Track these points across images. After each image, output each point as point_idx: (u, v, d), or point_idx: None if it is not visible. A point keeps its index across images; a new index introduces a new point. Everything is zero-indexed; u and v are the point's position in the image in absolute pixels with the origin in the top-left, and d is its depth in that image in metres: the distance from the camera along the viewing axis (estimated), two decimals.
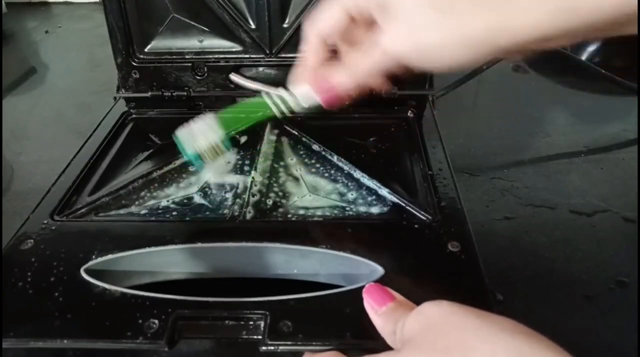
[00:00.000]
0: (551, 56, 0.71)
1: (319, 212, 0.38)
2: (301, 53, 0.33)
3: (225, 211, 0.38)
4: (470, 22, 0.27)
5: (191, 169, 0.43)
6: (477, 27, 0.27)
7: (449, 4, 0.27)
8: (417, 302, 0.27)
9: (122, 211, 0.39)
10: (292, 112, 0.34)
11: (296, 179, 0.42)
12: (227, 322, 0.29)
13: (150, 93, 0.53)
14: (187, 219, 0.38)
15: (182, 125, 0.35)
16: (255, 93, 0.53)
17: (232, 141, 0.39)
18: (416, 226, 0.35)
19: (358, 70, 0.31)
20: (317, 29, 0.32)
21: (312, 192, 0.40)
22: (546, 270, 0.41)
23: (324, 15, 0.32)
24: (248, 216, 0.37)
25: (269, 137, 0.47)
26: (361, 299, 0.28)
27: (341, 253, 0.33)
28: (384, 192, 0.39)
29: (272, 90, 0.34)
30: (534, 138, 0.57)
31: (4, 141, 0.59)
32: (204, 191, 0.41)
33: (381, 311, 0.27)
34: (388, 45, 0.29)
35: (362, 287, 0.29)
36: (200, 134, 0.34)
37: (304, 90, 0.33)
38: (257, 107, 0.34)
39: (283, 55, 0.52)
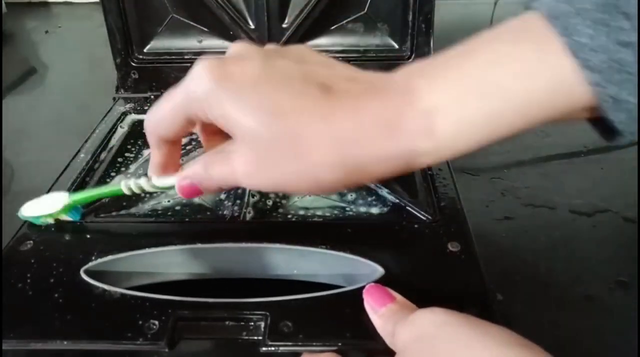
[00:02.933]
0: None
1: (318, 213, 0.38)
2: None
3: (225, 212, 0.38)
4: (317, 159, 0.22)
5: None
6: (328, 160, 0.22)
7: (300, 126, 0.22)
8: (417, 303, 0.27)
9: (121, 212, 0.39)
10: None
11: None
12: (227, 322, 0.29)
13: (149, 93, 0.53)
14: (187, 219, 0.38)
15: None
16: None
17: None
18: (416, 226, 0.35)
19: (212, 174, 0.26)
20: (155, 128, 0.27)
21: None
22: (546, 270, 0.41)
23: (159, 113, 0.27)
24: (248, 217, 0.37)
25: None
26: (361, 300, 0.28)
27: (341, 253, 0.33)
28: (383, 192, 0.39)
29: (131, 181, 0.31)
30: (534, 138, 0.57)
31: (4, 141, 0.59)
32: None
33: (381, 312, 0.27)
34: (240, 177, 0.24)
35: (363, 287, 0.29)
36: (45, 203, 0.35)
37: (159, 180, 0.30)
38: (113, 192, 0.34)
39: None
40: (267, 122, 0.22)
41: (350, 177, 0.23)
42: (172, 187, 0.29)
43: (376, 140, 0.22)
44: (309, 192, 0.25)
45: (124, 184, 0.31)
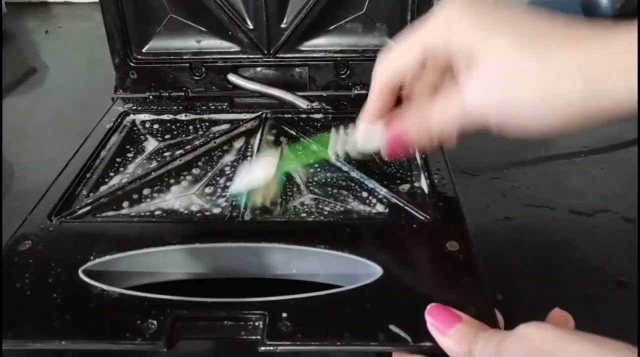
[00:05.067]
0: None
1: (317, 212, 0.38)
2: (369, 94, 0.31)
3: (224, 212, 0.38)
4: (572, 80, 0.22)
5: (190, 170, 0.43)
6: (575, 87, 0.22)
7: (549, 51, 0.23)
8: (417, 303, 0.27)
9: (120, 212, 0.39)
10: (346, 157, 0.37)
11: (295, 179, 0.42)
12: (225, 322, 0.29)
13: (148, 93, 0.53)
14: (186, 219, 0.38)
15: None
16: (253, 94, 0.53)
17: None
18: (415, 226, 0.35)
19: (432, 122, 0.27)
20: (389, 68, 0.29)
21: (310, 192, 0.40)
22: (546, 270, 0.41)
23: (399, 54, 0.28)
24: (247, 217, 0.37)
25: (267, 137, 0.47)
26: (360, 299, 0.28)
27: (340, 253, 0.33)
28: (383, 192, 0.39)
29: (340, 130, 0.35)
30: (534, 138, 0.57)
31: (4, 141, 0.59)
32: (203, 191, 0.41)
33: (450, 334, 0.26)
34: (468, 99, 0.25)
35: (361, 287, 0.29)
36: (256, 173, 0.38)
37: (367, 134, 0.31)
38: (320, 143, 0.37)
39: (281, 55, 0.52)
40: (514, 44, 0.24)
41: (586, 110, 0.22)
42: (377, 151, 0.31)
43: (625, 74, 0.21)
44: (534, 123, 0.25)
45: (332, 153, 0.36)
